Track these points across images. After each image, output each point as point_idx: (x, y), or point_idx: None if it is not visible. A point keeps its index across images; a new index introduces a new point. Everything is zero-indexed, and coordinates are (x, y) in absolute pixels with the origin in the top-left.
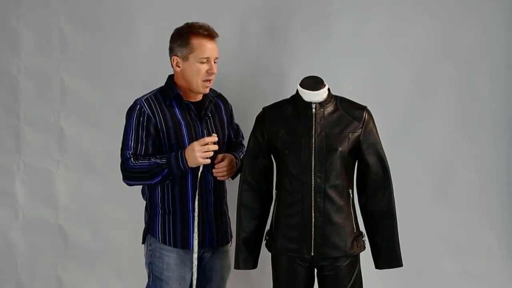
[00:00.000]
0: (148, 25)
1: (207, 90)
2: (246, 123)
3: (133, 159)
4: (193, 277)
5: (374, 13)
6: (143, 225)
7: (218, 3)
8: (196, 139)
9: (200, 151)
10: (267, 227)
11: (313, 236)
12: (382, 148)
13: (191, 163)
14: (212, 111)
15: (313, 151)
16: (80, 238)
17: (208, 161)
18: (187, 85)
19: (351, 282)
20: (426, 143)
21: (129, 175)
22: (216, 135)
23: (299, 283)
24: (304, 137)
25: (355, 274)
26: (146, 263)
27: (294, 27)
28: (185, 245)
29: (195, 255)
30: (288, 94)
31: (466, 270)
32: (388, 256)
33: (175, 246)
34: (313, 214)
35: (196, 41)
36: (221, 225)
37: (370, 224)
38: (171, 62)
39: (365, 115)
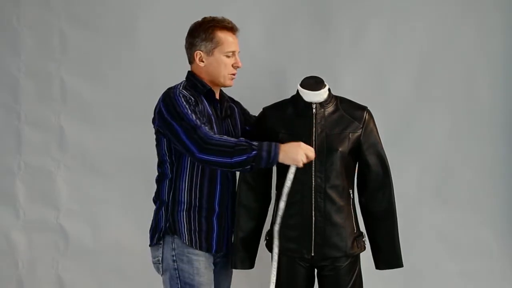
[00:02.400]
0: (148, 25)
1: (233, 83)
2: None
3: (208, 128)
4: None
5: (374, 13)
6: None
7: (218, 3)
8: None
9: (310, 151)
10: (267, 227)
11: (313, 236)
12: (383, 148)
13: (289, 158)
14: (229, 111)
15: None
16: (80, 238)
17: (301, 164)
18: (211, 80)
19: (351, 282)
20: (426, 143)
21: (209, 147)
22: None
23: (299, 283)
24: (304, 137)
25: (355, 274)
26: (165, 269)
27: (294, 27)
28: (209, 248)
29: (275, 257)
30: (288, 94)
31: (466, 270)
32: (388, 256)
33: (200, 248)
34: (313, 214)
35: (221, 35)
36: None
37: (370, 224)
38: (191, 57)
39: (366, 115)
